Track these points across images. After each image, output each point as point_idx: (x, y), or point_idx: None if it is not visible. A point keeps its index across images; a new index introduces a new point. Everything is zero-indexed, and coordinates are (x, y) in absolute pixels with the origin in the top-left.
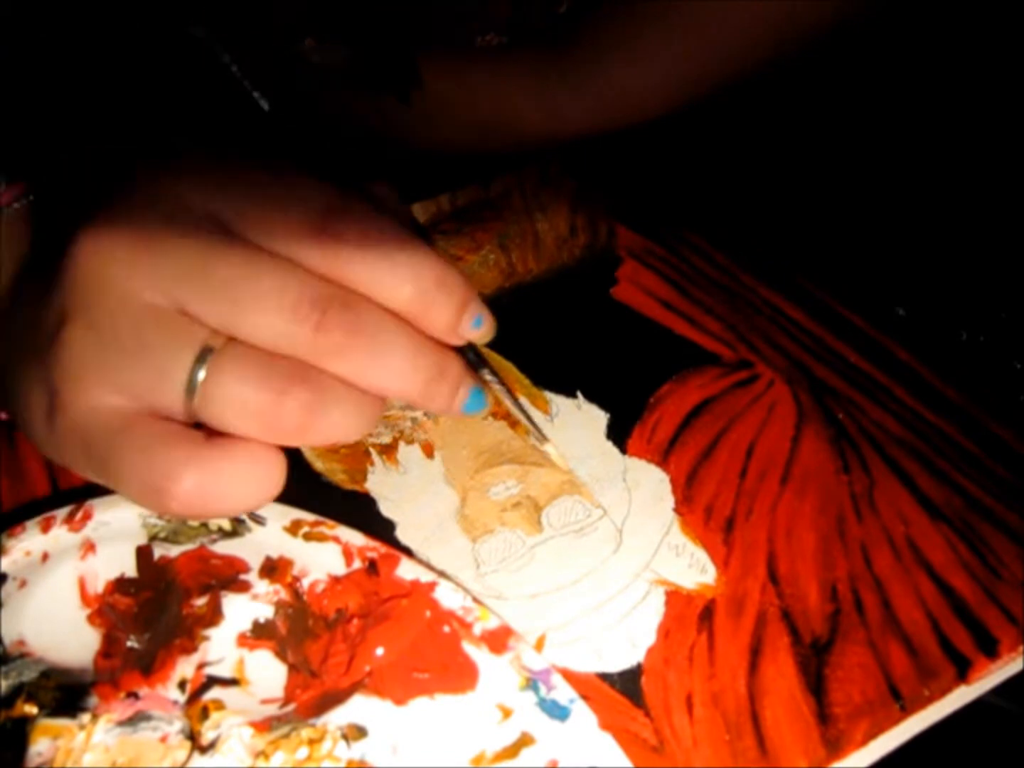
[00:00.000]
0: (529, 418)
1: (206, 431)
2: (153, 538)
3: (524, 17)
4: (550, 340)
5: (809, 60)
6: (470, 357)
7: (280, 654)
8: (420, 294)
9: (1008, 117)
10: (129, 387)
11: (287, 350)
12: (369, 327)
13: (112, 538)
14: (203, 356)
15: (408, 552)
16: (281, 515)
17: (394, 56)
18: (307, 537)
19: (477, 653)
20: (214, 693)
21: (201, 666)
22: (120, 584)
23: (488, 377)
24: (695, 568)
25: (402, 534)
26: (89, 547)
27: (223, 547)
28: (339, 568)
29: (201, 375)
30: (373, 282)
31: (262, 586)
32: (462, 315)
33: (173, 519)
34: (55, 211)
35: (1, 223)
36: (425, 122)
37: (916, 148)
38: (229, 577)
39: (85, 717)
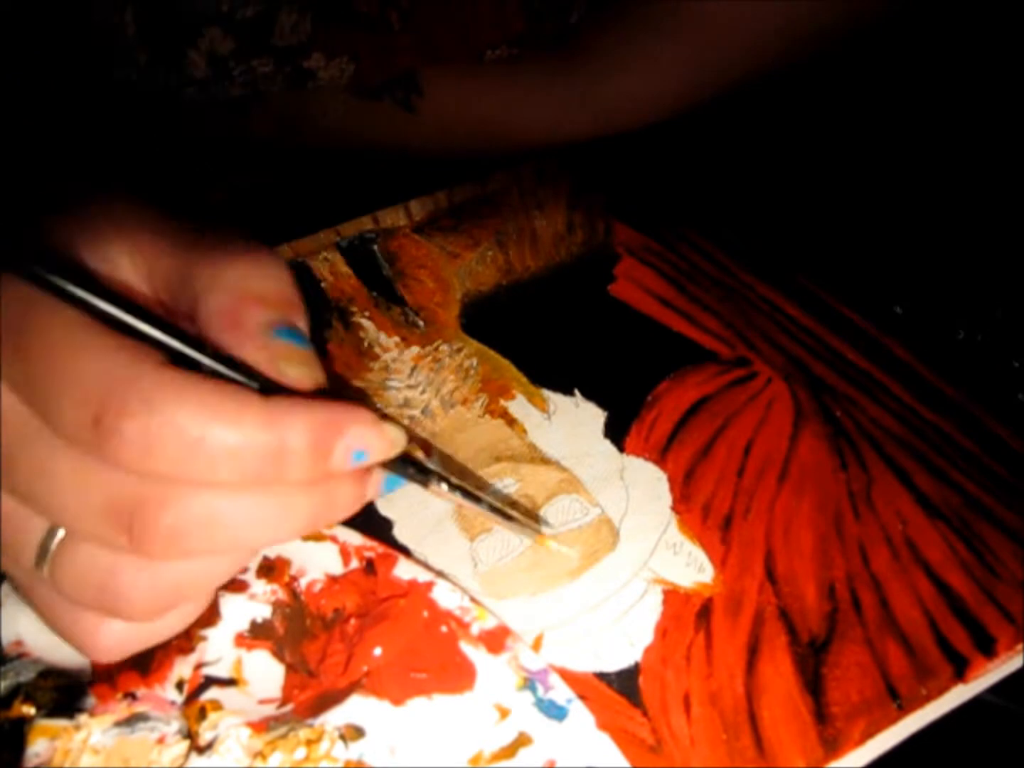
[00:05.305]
0: (507, 515)
1: None
2: None
3: (537, 30)
4: (547, 337)
5: (808, 60)
6: (410, 473)
7: (278, 654)
8: (259, 465)
9: (1006, 116)
10: None
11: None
12: (200, 523)
13: None
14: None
15: (405, 551)
16: None
17: None
18: (304, 536)
19: (475, 653)
20: (212, 693)
21: (199, 666)
22: None
23: (438, 487)
24: (693, 567)
25: (399, 532)
26: None
27: None
28: (337, 568)
29: (55, 542)
30: (175, 479)
31: (259, 586)
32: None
33: None
34: None
35: None
36: (430, 131)
37: (914, 146)
38: None
39: (83, 718)
